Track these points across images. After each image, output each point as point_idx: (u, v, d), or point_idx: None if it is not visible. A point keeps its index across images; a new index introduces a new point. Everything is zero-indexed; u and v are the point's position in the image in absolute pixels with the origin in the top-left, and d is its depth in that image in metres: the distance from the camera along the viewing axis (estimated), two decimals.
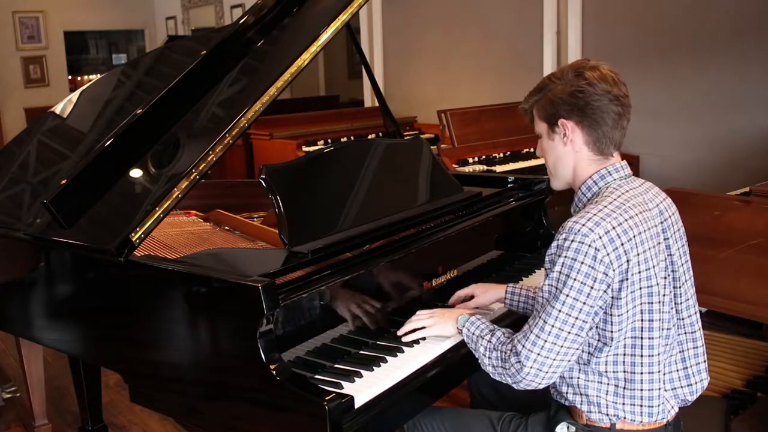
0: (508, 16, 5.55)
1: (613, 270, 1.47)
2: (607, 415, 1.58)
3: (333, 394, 1.50)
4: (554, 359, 1.51)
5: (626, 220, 1.50)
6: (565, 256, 1.49)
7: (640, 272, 1.50)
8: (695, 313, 1.66)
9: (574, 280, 1.47)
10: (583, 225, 1.48)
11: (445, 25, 6.13)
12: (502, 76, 5.57)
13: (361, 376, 1.65)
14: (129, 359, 1.93)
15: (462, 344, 1.77)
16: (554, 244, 1.53)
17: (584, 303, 1.48)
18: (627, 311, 1.51)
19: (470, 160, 4.52)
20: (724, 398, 2.37)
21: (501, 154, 4.62)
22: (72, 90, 7.51)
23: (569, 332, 1.49)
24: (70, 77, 10.40)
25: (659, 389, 1.57)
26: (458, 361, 1.79)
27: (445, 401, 2.47)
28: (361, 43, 5.76)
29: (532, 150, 4.46)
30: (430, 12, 6.28)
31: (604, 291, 1.48)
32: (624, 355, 1.54)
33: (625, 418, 1.57)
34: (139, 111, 2.07)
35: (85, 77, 10.89)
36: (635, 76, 4.62)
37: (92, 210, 2.01)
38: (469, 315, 1.73)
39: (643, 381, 1.55)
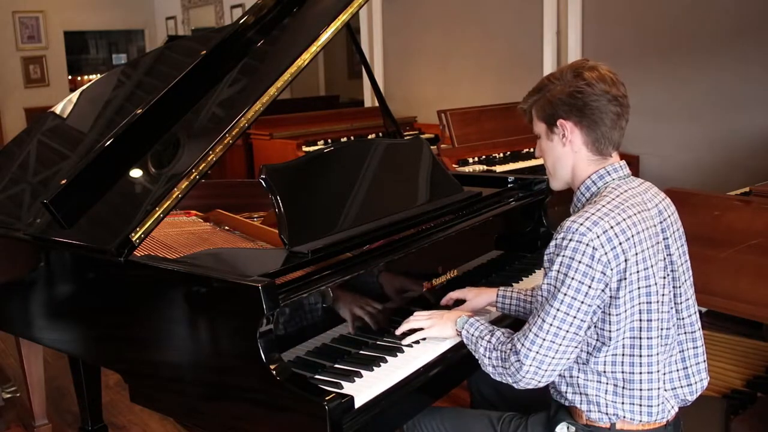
0: (508, 16, 5.55)
1: (611, 269, 1.47)
2: (607, 414, 1.58)
3: (333, 394, 1.50)
4: (553, 357, 1.51)
5: (624, 219, 1.50)
6: (563, 255, 1.49)
7: (638, 272, 1.50)
8: (695, 312, 1.66)
9: (572, 279, 1.48)
10: (581, 224, 1.48)
11: (445, 25, 6.13)
12: (502, 76, 5.57)
13: (361, 376, 1.65)
14: (129, 359, 1.93)
15: (462, 344, 1.77)
16: (552, 243, 1.54)
17: (582, 302, 1.48)
18: (625, 311, 1.51)
19: (470, 160, 4.52)
20: (724, 398, 2.37)
21: (501, 154, 4.62)
22: (72, 90, 7.52)
23: (567, 331, 1.49)
24: (70, 77, 10.40)
25: (659, 389, 1.57)
26: (458, 361, 1.79)
27: (445, 401, 2.47)
28: (361, 43, 5.76)
29: (532, 150, 4.46)
30: (430, 12, 6.28)
31: (602, 290, 1.48)
32: (623, 355, 1.54)
33: (624, 417, 1.57)
34: (139, 111, 2.07)
35: (85, 77, 10.90)
36: (635, 76, 4.62)
37: (92, 210, 2.01)
38: (468, 317, 1.74)
39: (642, 381, 1.55)
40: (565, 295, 1.48)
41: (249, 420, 1.65)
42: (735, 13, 4.14)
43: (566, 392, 1.62)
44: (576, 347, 1.52)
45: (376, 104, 3.16)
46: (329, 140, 5.71)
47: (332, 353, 1.75)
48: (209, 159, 1.88)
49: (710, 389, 2.54)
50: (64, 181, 1.96)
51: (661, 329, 1.56)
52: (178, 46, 2.84)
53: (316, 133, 5.93)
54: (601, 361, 1.55)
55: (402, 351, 1.78)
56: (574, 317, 1.49)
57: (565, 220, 1.52)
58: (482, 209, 2.32)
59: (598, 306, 1.50)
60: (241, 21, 2.25)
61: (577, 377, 1.58)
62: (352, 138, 5.63)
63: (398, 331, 1.83)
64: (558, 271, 1.50)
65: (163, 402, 1.89)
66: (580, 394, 1.59)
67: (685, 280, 1.64)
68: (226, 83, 2.19)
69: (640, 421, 1.57)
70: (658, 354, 1.55)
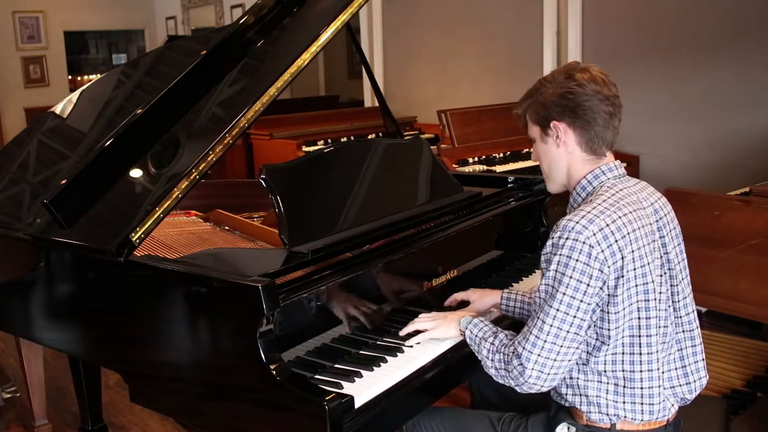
0: (508, 16, 5.55)
1: (608, 267, 1.48)
2: (608, 415, 1.58)
3: (333, 394, 1.50)
4: (555, 360, 1.51)
5: (620, 217, 1.51)
6: (560, 254, 1.49)
7: (635, 269, 1.51)
8: (693, 311, 1.66)
9: (570, 278, 1.48)
10: (577, 222, 1.49)
11: (445, 25, 6.13)
12: (502, 76, 5.57)
13: (361, 376, 1.65)
14: (129, 359, 1.93)
15: (462, 344, 1.77)
16: (549, 243, 1.54)
17: (581, 301, 1.48)
18: (623, 309, 1.51)
19: (470, 160, 4.52)
20: (724, 398, 2.37)
21: (501, 154, 4.62)
22: (72, 90, 7.52)
23: (568, 331, 1.49)
24: (70, 77, 10.40)
25: (659, 387, 1.57)
26: (458, 361, 1.79)
27: (445, 401, 2.47)
28: (361, 43, 5.75)
29: (531, 150, 4.46)
30: (430, 12, 6.28)
31: (600, 288, 1.49)
32: (622, 354, 1.55)
33: (625, 417, 1.57)
34: (139, 111, 2.07)
35: (85, 77, 10.90)
36: (635, 76, 4.63)
37: (92, 210, 2.01)
38: (472, 317, 1.73)
39: (642, 379, 1.55)
40: (564, 294, 1.48)
41: (249, 420, 1.65)
42: (735, 13, 4.14)
43: (566, 394, 1.62)
44: (577, 348, 1.52)
45: (376, 104, 3.16)
46: (329, 140, 5.71)
47: (332, 353, 1.75)
48: (209, 159, 1.88)
49: (710, 389, 2.54)
50: (64, 181, 1.96)
51: (659, 327, 1.56)
52: (178, 46, 2.84)
53: (316, 133, 5.93)
54: (601, 360, 1.55)
55: (402, 351, 1.78)
56: (574, 317, 1.48)
57: (561, 219, 1.53)
58: (482, 209, 2.32)
59: (597, 304, 1.50)
60: (241, 21, 2.25)
61: (577, 378, 1.58)
62: (352, 138, 5.63)
63: (403, 333, 1.82)
64: (556, 271, 1.50)
65: (163, 402, 1.89)
66: (581, 395, 1.59)
67: (682, 279, 1.64)
68: (226, 83, 2.19)
69: (642, 420, 1.57)
70: (657, 352, 1.55)
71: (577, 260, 1.47)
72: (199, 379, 1.73)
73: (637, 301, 1.52)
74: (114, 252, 1.80)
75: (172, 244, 2.23)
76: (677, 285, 1.62)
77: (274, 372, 1.52)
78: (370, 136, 5.60)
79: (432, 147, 2.51)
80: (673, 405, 1.62)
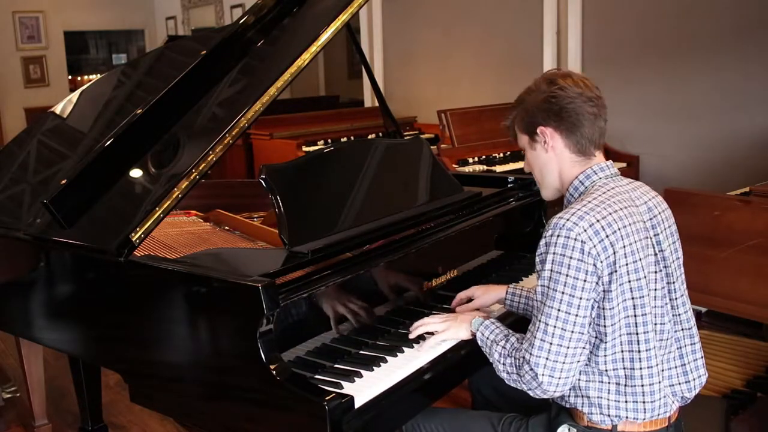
0: (508, 16, 5.55)
1: (602, 261, 1.48)
2: (609, 416, 1.58)
3: (333, 394, 1.50)
4: (563, 362, 1.50)
5: (610, 213, 1.51)
6: (554, 253, 1.50)
7: (627, 264, 1.51)
8: (690, 309, 1.66)
9: (566, 276, 1.48)
10: (567, 220, 1.50)
11: (445, 25, 6.13)
12: (502, 76, 5.57)
13: (361, 376, 1.65)
14: (129, 359, 1.93)
15: (462, 344, 1.77)
16: (542, 242, 1.54)
17: (580, 298, 1.48)
18: (618, 304, 1.51)
19: (470, 160, 4.51)
20: (724, 398, 2.37)
21: (501, 154, 4.62)
22: (72, 90, 7.51)
23: (572, 331, 1.49)
24: (70, 77, 10.39)
25: (659, 383, 1.57)
26: (458, 362, 1.79)
27: (445, 401, 2.47)
28: (361, 43, 5.76)
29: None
30: (430, 12, 6.28)
31: (596, 283, 1.49)
32: (622, 352, 1.55)
33: (627, 417, 1.57)
34: (139, 111, 2.07)
35: (85, 77, 10.89)
36: (635, 76, 4.63)
37: (92, 210, 2.01)
38: (483, 319, 1.72)
39: (643, 377, 1.55)
40: (563, 293, 1.49)
41: (249, 420, 1.65)
42: (735, 13, 4.14)
43: (568, 395, 1.62)
44: (584, 348, 1.52)
45: (376, 104, 3.16)
46: (329, 140, 5.71)
47: (332, 353, 1.75)
48: (209, 159, 1.88)
49: (710, 389, 2.54)
50: (64, 181, 1.97)
51: (656, 324, 1.56)
52: (178, 46, 2.84)
53: (316, 133, 5.92)
54: (602, 360, 1.55)
55: (402, 351, 1.78)
56: (576, 315, 1.49)
57: (552, 218, 1.54)
58: (482, 209, 2.32)
59: (595, 300, 1.51)
60: (241, 21, 2.25)
61: (579, 379, 1.58)
62: (352, 138, 5.63)
63: (412, 335, 1.80)
64: (551, 270, 1.50)
65: (163, 402, 1.89)
66: (582, 396, 1.59)
67: (678, 276, 1.64)
68: (226, 83, 2.19)
69: (643, 419, 1.57)
70: (654, 348, 1.56)
71: (570, 257, 1.48)
72: (199, 379, 1.73)
73: (632, 298, 1.52)
74: (114, 252, 1.80)
75: (172, 244, 2.23)
76: (673, 282, 1.62)
77: (274, 372, 1.52)
78: (370, 136, 5.60)
79: (432, 147, 2.51)
80: (673, 403, 1.62)
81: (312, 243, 1.83)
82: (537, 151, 1.67)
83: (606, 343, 1.54)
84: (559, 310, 1.49)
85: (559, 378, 1.51)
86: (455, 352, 1.79)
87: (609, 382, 1.57)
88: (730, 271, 2.53)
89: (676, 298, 1.63)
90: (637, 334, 1.54)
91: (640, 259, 1.53)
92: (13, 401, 3.18)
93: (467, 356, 1.78)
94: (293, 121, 6.11)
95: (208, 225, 2.54)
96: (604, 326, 1.52)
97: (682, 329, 1.65)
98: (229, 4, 9.02)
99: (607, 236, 1.49)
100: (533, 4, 5.25)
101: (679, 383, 1.63)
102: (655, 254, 1.59)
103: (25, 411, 2.94)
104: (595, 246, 1.48)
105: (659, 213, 1.64)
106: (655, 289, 1.57)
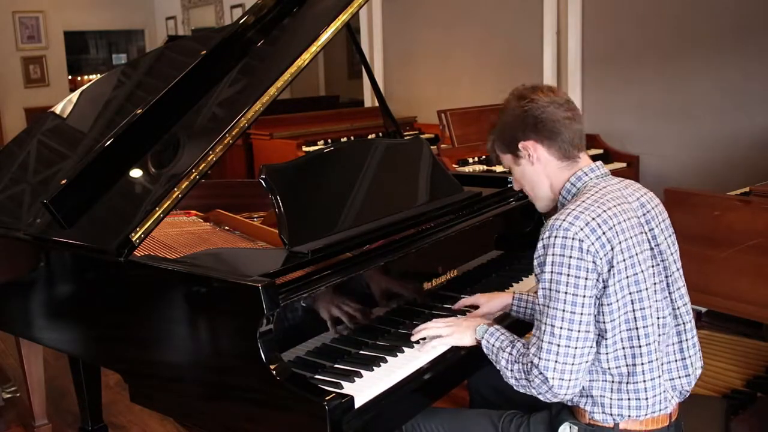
0: (508, 16, 5.55)
1: (600, 258, 1.49)
2: (611, 414, 1.58)
3: (333, 394, 1.50)
4: (573, 363, 1.50)
5: (604, 211, 1.53)
6: (553, 254, 1.51)
7: (624, 260, 1.52)
8: (688, 302, 1.68)
9: (567, 275, 1.49)
10: (564, 220, 1.51)
11: (445, 25, 6.13)
12: (502, 75, 5.57)
13: (361, 376, 1.65)
14: (129, 359, 1.93)
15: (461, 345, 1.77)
16: (540, 245, 1.55)
17: (583, 296, 1.49)
18: (617, 300, 1.52)
19: (470, 160, 4.51)
20: (724, 398, 2.37)
21: None
22: (72, 90, 7.51)
23: (579, 330, 1.49)
24: (70, 77, 10.39)
25: (659, 377, 1.58)
26: (458, 362, 1.79)
27: (445, 401, 2.47)
28: (361, 43, 5.76)
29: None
30: (430, 12, 6.28)
31: (596, 280, 1.50)
32: (623, 348, 1.55)
33: (629, 416, 1.57)
34: (139, 111, 2.07)
35: (85, 77, 10.89)
36: (635, 76, 4.63)
37: (92, 210, 2.01)
38: (488, 326, 1.72)
39: (644, 372, 1.56)
40: (566, 293, 1.49)
41: (249, 420, 1.65)
42: (735, 13, 4.14)
43: None
44: (591, 347, 1.52)
45: (376, 104, 3.16)
46: (329, 140, 5.71)
47: (332, 353, 1.75)
48: (209, 159, 1.88)
49: (710, 389, 2.54)
50: (64, 181, 1.97)
51: (658, 318, 1.57)
52: (178, 46, 2.84)
53: (316, 133, 5.93)
54: (604, 358, 1.56)
55: (402, 351, 1.78)
56: (581, 314, 1.49)
57: (548, 220, 1.55)
58: (482, 209, 2.32)
59: (596, 297, 1.51)
60: (241, 21, 2.25)
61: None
62: (352, 138, 5.63)
63: (414, 338, 1.80)
64: (551, 272, 1.51)
65: (162, 402, 1.89)
66: (585, 395, 1.60)
67: (675, 270, 1.65)
68: (226, 83, 2.19)
69: (645, 415, 1.58)
70: (655, 342, 1.56)
71: (570, 257, 1.48)
72: (199, 379, 1.73)
73: (630, 293, 1.53)
74: (114, 252, 1.80)
75: (172, 244, 2.23)
76: (671, 275, 1.64)
77: (274, 372, 1.52)
78: (370, 136, 5.60)
79: (432, 147, 2.51)
80: (672, 398, 1.62)
81: (312, 243, 1.83)
82: (523, 166, 1.69)
83: (607, 340, 1.54)
84: (563, 310, 1.49)
85: (569, 380, 1.51)
86: (455, 353, 1.79)
87: (612, 381, 1.57)
88: (730, 271, 2.53)
89: (673, 292, 1.64)
90: (636, 329, 1.54)
91: (637, 254, 1.54)
92: (13, 401, 3.18)
93: (467, 356, 1.78)
94: (293, 121, 6.11)
95: (208, 225, 2.54)
96: (604, 322, 1.53)
97: (683, 323, 1.65)
98: (229, 4, 9.02)
99: (603, 233, 1.50)
100: (533, 4, 5.25)
101: (679, 377, 1.64)
102: (651, 249, 1.60)
103: (25, 411, 2.94)
104: (593, 243, 1.49)
105: (652, 208, 1.65)
106: (654, 284, 1.58)
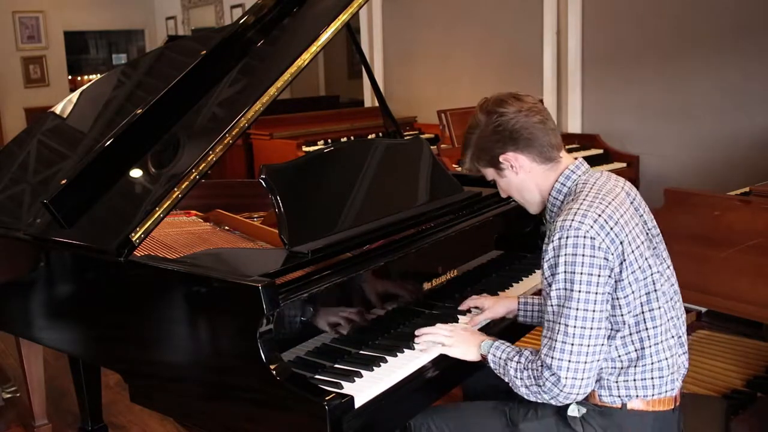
0: (508, 16, 5.55)
1: (612, 254, 1.51)
2: (619, 396, 1.60)
3: (333, 394, 1.50)
4: (586, 362, 1.51)
5: (607, 206, 1.56)
6: (565, 254, 1.52)
7: (633, 251, 1.55)
8: (676, 282, 1.71)
9: (581, 273, 1.50)
10: (572, 220, 1.52)
11: (445, 25, 6.12)
12: (502, 76, 5.57)
13: (361, 376, 1.65)
14: (129, 359, 1.93)
15: None
16: (549, 248, 1.56)
17: (596, 293, 1.50)
18: (632, 292, 1.55)
19: None
20: (724, 398, 2.37)
21: None
22: (72, 90, 7.51)
23: (591, 328, 1.50)
24: (70, 77, 10.38)
25: (666, 359, 1.60)
26: (458, 361, 1.79)
27: (444, 401, 2.46)
28: (361, 43, 5.75)
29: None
30: (430, 12, 6.27)
31: (609, 276, 1.52)
32: (630, 335, 1.58)
33: (637, 396, 1.60)
34: (139, 111, 2.07)
35: (85, 77, 10.88)
36: (635, 76, 4.63)
37: (92, 210, 2.01)
38: (492, 340, 1.71)
39: (652, 354, 1.58)
40: (579, 292, 1.50)
41: (249, 420, 1.65)
42: (735, 13, 4.14)
43: None
44: (603, 344, 1.54)
45: (376, 104, 3.16)
46: (329, 140, 5.71)
47: (332, 353, 1.75)
48: (209, 159, 1.88)
49: (710, 389, 2.54)
50: (64, 181, 1.97)
51: (667, 301, 1.61)
52: (178, 46, 2.84)
53: (316, 133, 5.92)
54: (613, 347, 1.58)
55: (402, 351, 1.78)
56: (593, 311, 1.50)
57: (555, 223, 1.56)
58: (482, 209, 2.32)
59: (609, 294, 1.53)
60: (241, 21, 2.25)
61: None
62: (352, 138, 5.63)
63: (417, 341, 1.79)
64: (565, 272, 1.52)
65: (162, 402, 1.89)
66: None
67: (663, 250, 1.69)
68: (226, 83, 2.19)
69: (652, 396, 1.60)
70: (662, 325, 1.59)
71: (583, 255, 1.50)
72: (199, 379, 1.73)
73: (644, 279, 1.57)
74: (114, 252, 1.80)
75: (172, 244, 2.23)
76: (662, 255, 1.68)
77: (274, 372, 1.52)
78: (370, 136, 5.60)
79: (432, 147, 2.51)
80: (677, 379, 1.64)
81: (312, 243, 1.83)
82: (508, 177, 1.71)
83: (622, 331, 1.57)
84: (577, 309, 1.50)
85: (582, 379, 1.52)
86: None
87: (620, 366, 1.59)
88: (730, 271, 2.53)
89: (664, 270, 1.66)
90: (643, 313, 1.57)
91: (641, 244, 1.58)
92: (13, 401, 3.18)
93: None
94: (293, 121, 6.11)
95: (208, 225, 2.54)
96: (621, 315, 1.56)
97: (674, 301, 1.68)
98: (229, 4, 9.02)
99: (611, 228, 1.52)
100: (533, 4, 5.24)
101: (677, 354, 1.66)
102: (646, 233, 1.64)
103: (25, 411, 2.94)
104: (603, 240, 1.51)
105: (635, 195, 1.70)
106: (657, 266, 1.62)
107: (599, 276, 1.50)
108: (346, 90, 8.81)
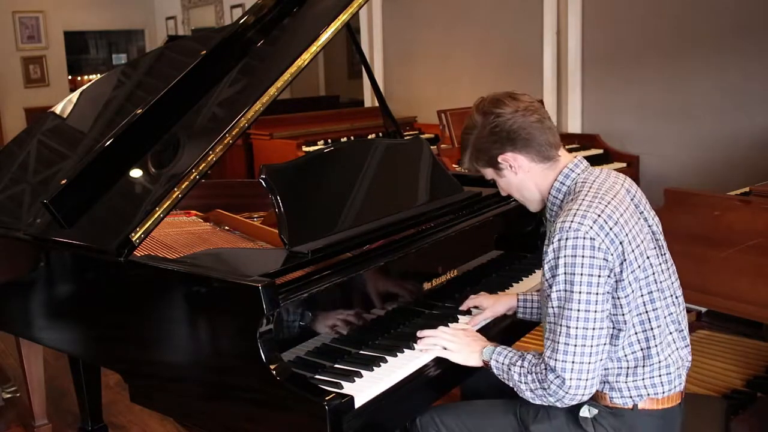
0: (508, 16, 5.55)
1: (611, 254, 1.51)
2: (630, 397, 1.61)
3: (333, 394, 1.50)
4: (589, 362, 1.51)
5: (606, 205, 1.55)
6: (565, 255, 1.52)
7: (633, 251, 1.55)
8: (677, 278, 1.71)
9: (581, 275, 1.50)
10: (572, 221, 1.52)
11: (445, 25, 6.13)
12: (502, 76, 5.57)
13: (361, 376, 1.65)
14: (129, 359, 1.93)
15: None
16: (549, 249, 1.56)
17: (597, 293, 1.50)
18: (632, 291, 1.55)
19: None
20: (724, 398, 2.37)
21: None
22: (72, 90, 7.51)
23: (593, 328, 1.51)
24: (70, 77, 10.39)
25: (669, 355, 1.61)
26: None
27: (444, 401, 2.46)
28: (361, 43, 5.75)
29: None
30: (430, 12, 6.28)
31: (608, 276, 1.52)
32: (635, 334, 1.58)
33: (648, 395, 1.60)
34: (139, 111, 2.07)
35: (85, 77, 10.88)
36: (635, 76, 4.63)
37: (92, 210, 2.01)
38: (494, 346, 1.71)
39: (659, 353, 1.59)
40: (580, 293, 1.50)
41: (249, 420, 1.65)
42: (735, 13, 4.14)
43: None
44: (605, 344, 1.54)
45: (376, 104, 3.16)
46: (329, 140, 5.71)
47: (332, 353, 1.75)
48: (209, 159, 1.88)
49: (710, 389, 2.54)
50: (64, 181, 1.97)
51: (669, 296, 1.61)
52: (178, 46, 2.84)
53: (316, 133, 5.93)
54: (619, 347, 1.58)
55: (402, 351, 1.78)
56: (595, 311, 1.50)
57: (555, 224, 1.56)
58: (482, 209, 2.32)
59: (610, 293, 1.53)
60: (241, 21, 2.25)
61: None
62: (352, 138, 5.63)
63: (420, 343, 1.79)
64: (565, 273, 1.52)
65: (163, 402, 1.89)
66: (603, 382, 1.62)
67: (664, 244, 1.69)
68: (226, 83, 2.19)
69: (662, 393, 1.60)
70: (665, 323, 1.60)
71: (582, 256, 1.50)
72: (199, 379, 1.73)
73: (645, 278, 1.57)
74: (114, 252, 1.80)
75: (172, 244, 2.23)
76: (665, 253, 1.68)
77: (274, 372, 1.52)
78: (370, 136, 5.60)
79: (432, 147, 2.50)
80: (682, 374, 1.65)
81: (312, 243, 1.83)
82: (507, 177, 1.71)
83: (625, 331, 1.57)
84: (578, 310, 1.50)
85: (587, 380, 1.52)
86: None
87: (627, 367, 1.60)
88: (730, 271, 2.53)
89: (669, 267, 1.67)
90: (647, 312, 1.58)
91: (642, 242, 1.58)
92: (13, 401, 3.18)
93: None
94: (293, 121, 6.11)
95: (208, 225, 2.54)
96: (622, 315, 1.56)
97: (676, 296, 1.68)
98: (229, 4, 9.02)
99: (611, 228, 1.52)
100: (533, 4, 5.24)
101: (680, 348, 1.67)
102: (648, 231, 1.64)
103: (25, 411, 2.94)
104: (603, 240, 1.50)
105: (635, 191, 1.70)
106: (659, 264, 1.62)
107: (599, 276, 1.50)
108: (346, 90, 8.81)
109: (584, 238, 1.50)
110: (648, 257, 1.58)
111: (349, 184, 2.08)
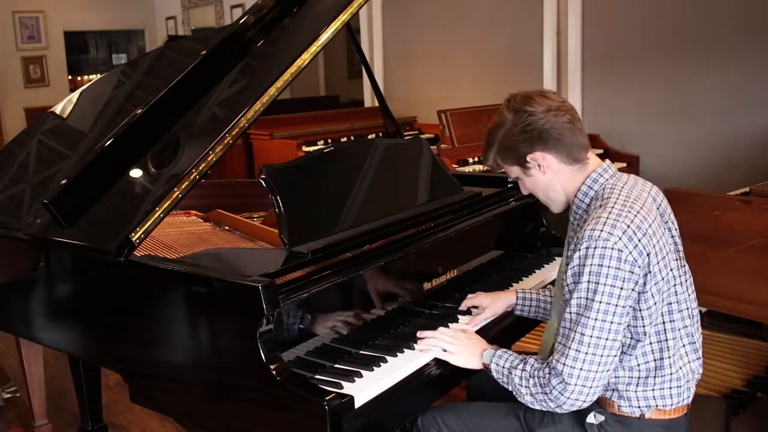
0: (508, 16, 5.55)
1: (638, 266, 1.50)
2: (639, 407, 1.61)
3: (333, 394, 1.50)
4: (597, 371, 1.51)
5: (635, 215, 1.53)
6: (591, 264, 1.50)
7: (658, 263, 1.54)
8: (694, 290, 1.70)
9: (605, 285, 1.49)
10: (601, 231, 1.50)
11: (445, 25, 6.13)
12: (502, 75, 5.57)
13: (361, 376, 1.65)
14: (129, 359, 1.93)
15: None
16: (575, 256, 1.53)
17: (617, 305, 1.49)
18: (655, 303, 1.54)
19: (470, 160, 4.52)
20: (724, 398, 2.37)
21: None
22: (72, 90, 7.51)
23: (607, 338, 1.50)
24: (70, 77, 10.39)
25: (681, 368, 1.61)
26: None
27: (444, 401, 2.46)
28: (361, 43, 5.76)
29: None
30: (430, 12, 6.28)
31: (632, 289, 1.51)
32: (650, 344, 1.58)
33: (656, 406, 1.60)
34: (139, 111, 2.07)
35: (85, 77, 10.89)
36: (635, 76, 4.63)
37: (92, 210, 2.01)
38: (495, 349, 1.70)
39: (671, 364, 1.59)
40: (600, 302, 1.49)
41: (249, 420, 1.65)
42: (735, 13, 4.15)
43: None
44: (615, 356, 1.53)
45: (376, 104, 3.16)
46: (329, 140, 5.71)
47: (332, 353, 1.75)
48: (209, 159, 1.88)
49: (710, 389, 2.54)
50: (64, 181, 1.97)
51: (683, 310, 1.61)
52: (178, 46, 2.84)
53: (316, 133, 5.93)
54: (633, 357, 1.58)
55: (402, 351, 1.78)
56: (611, 322, 1.49)
57: (584, 230, 1.53)
58: (482, 209, 2.32)
59: (631, 306, 1.52)
60: (241, 21, 2.25)
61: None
62: (352, 138, 5.63)
63: (420, 343, 1.78)
64: (588, 282, 1.50)
65: (162, 402, 1.89)
66: (612, 390, 1.62)
67: (683, 255, 1.68)
68: (226, 83, 2.19)
69: (671, 405, 1.60)
70: (681, 336, 1.60)
71: (608, 266, 1.49)
72: (199, 379, 1.73)
73: (668, 289, 1.56)
74: (114, 252, 1.80)
75: (172, 244, 2.23)
76: (684, 266, 1.67)
77: (274, 372, 1.52)
78: (370, 136, 5.60)
79: (432, 147, 2.50)
80: (690, 387, 1.65)
81: (312, 243, 1.83)
82: (534, 177, 1.68)
83: (642, 342, 1.57)
84: (596, 319, 1.49)
85: (590, 387, 1.52)
86: None
87: (638, 376, 1.59)
88: (730, 271, 2.53)
89: (687, 279, 1.66)
90: (663, 323, 1.57)
91: (667, 254, 1.57)
92: (13, 401, 3.18)
93: None
94: (293, 121, 6.12)
95: (208, 225, 2.54)
96: (642, 326, 1.55)
97: (691, 309, 1.67)
98: (229, 4, 9.03)
99: (639, 240, 1.50)
100: (533, 4, 5.25)
101: (692, 361, 1.66)
102: (673, 242, 1.64)
103: (25, 411, 2.94)
104: (631, 252, 1.49)
105: (662, 200, 1.68)
106: (680, 276, 1.61)
107: (622, 288, 1.49)
108: (346, 90, 8.81)
109: (612, 248, 1.48)
110: (671, 270, 1.57)
111: (349, 184, 2.08)
